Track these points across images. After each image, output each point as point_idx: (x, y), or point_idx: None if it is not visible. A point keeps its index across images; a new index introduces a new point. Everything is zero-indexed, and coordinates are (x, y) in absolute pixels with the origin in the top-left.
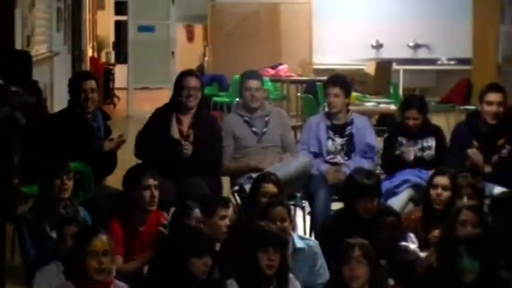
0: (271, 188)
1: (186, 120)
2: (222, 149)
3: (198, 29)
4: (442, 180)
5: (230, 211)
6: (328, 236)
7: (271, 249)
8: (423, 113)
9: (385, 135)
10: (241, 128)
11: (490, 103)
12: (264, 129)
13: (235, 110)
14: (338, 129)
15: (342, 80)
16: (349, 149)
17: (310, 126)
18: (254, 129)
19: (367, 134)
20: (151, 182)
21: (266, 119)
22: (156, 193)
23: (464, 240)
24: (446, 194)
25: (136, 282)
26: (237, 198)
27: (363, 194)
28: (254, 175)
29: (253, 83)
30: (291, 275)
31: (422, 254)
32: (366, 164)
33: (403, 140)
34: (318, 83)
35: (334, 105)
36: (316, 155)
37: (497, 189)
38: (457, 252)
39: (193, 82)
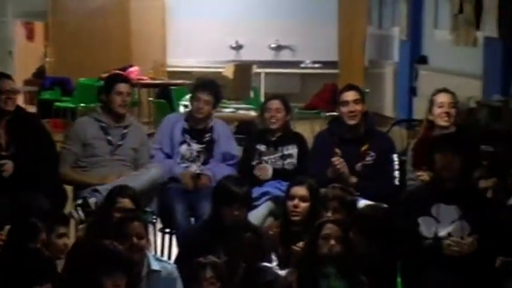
0: (127, 203)
1: (1, 129)
2: (62, 154)
3: (39, 27)
4: (300, 190)
5: (69, 228)
6: (191, 250)
7: (117, 273)
8: (287, 109)
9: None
10: (96, 134)
11: (345, 103)
12: (120, 142)
13: (92, 114)
14: (196, 134)
15: (215, 85)
16: (207, 156)
17: (166, 125)
18: (109, 138)
19: (227, 142)
20: None
21: (125, 131)
22: None
23: (332, 259)
24: (304, 205)
25: None
26: (80, 213)
27: (231, 202)
28: (100, 188)
29: (124, 87)
30: None
31: (282, 273)
32: (228, 172)
33: (262, 148)
34: (172, 87)
35: (202, 111)
36: (170, 157)
37: (362, 202)
38: (322, 272)
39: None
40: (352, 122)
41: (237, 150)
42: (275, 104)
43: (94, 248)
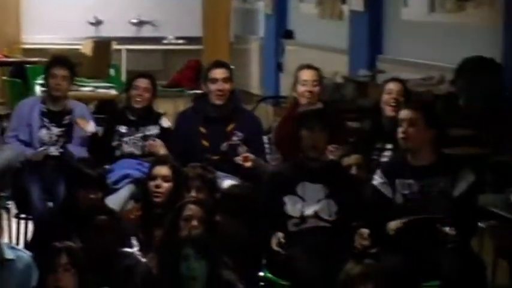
0: None
1: None
2: None
3: None
4: (162, 170)
5: None
6: (46, 234)
7: None
8: (154, 89)
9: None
10: None
11: (214, 80)
12: None
13: None
14: (55, 117)
15: (69, 61)
16: (66, 140)
17: (22, 110)
18: None
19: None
20: None
21: None
22: None
23: (191, 240)
24: (166, 186)
25: None
26: None
27: (85, 184)
28: None
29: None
30: None
31: (144, 259)
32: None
33: (123, 129)
34: (28, 65)
35: (60, 88)
36: (28, 144)
37: (227, 182)
38: (182, 254)
39: None
40: (219, 102)
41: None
42: (144, 83)
43: None
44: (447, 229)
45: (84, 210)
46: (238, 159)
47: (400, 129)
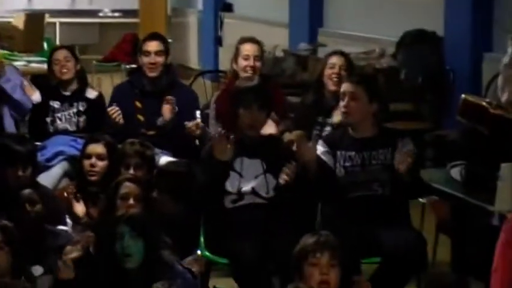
0: None
1: None
2: None
3: None
4: (97, 148)
5: None
6: None
7: None
8: (75, 58)
9: None
10: None
11: (147, 53)
12: None
13: None
14: None
15: None
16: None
17: None
18: None
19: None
20: None
21: None
22: None
23: (126, 218)
24: (101, 164)
25: None
26: None
27: (13, 162)
28: None
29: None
30: None
31: (77, 236)
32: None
33: (56, 104)
34: None
35: None
36: None
37: (164, 159)
38: (117, 231)
39: None
40: (152, 74)
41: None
42: (62, 54)
43: None
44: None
45: (13, 188)
46: (190, 125)
47: (342, 104)
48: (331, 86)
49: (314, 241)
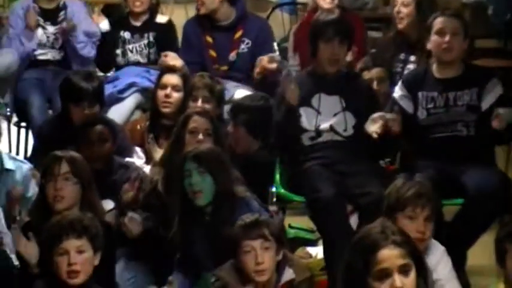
0: None
1: None
2: None
3: None
4: (173, 79)
5: None
6: (46, 144)
7: None
8: None
9: None
10: None
11: None
12: None
13: None
14: (49, 15)
15: None
16: (65, 38)
17: (17, 11)
18: None
19: (85, 19)
20: None
21: None
22: None
23: (193, 155)
24: (176, 96)
25: None
26: None
27: (79, 100)
28: None
29: None
30: None
31: (148, 170)
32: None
33: (126, 35)
34: None
35: None
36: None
37: (240, 92)
38: (185, 170)
39: None
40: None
41: (95, 27)
42: None
43: None
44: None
45: (80, 125)
46: (264, 60)
47: (444, 39)
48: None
49: (415, 193)
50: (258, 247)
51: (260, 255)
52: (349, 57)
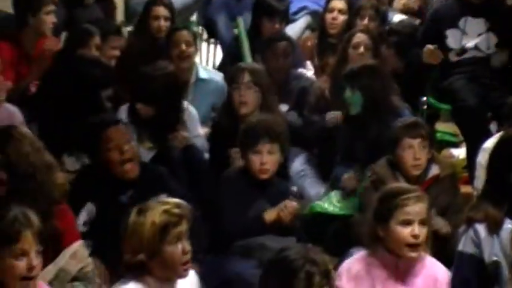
0: (162, 11)
1: None
2: None
3: None
4: (339, 4)
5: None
6: (232, 58)
7: None
8: None
9: None
10: None
11: None
12: None
13: None
14: None
15: None
16: None
17: None
18: None
19: None
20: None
21: None
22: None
23: (345, 75)
24: (342, 18)
25: (24, 101)
26: None
27: (271, 15)
28: None
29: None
30: (190, 107)
31: (317, 81)
32: None
33: None
34: None
35: None
36: None
37: (397, 17)
38: (344, 83)
39: None
40: None
41: None
42: None
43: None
44: None
45: (267, 38)
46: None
47: None
48: None
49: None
50: (416, 145)
51: (418, 152)
52: None
